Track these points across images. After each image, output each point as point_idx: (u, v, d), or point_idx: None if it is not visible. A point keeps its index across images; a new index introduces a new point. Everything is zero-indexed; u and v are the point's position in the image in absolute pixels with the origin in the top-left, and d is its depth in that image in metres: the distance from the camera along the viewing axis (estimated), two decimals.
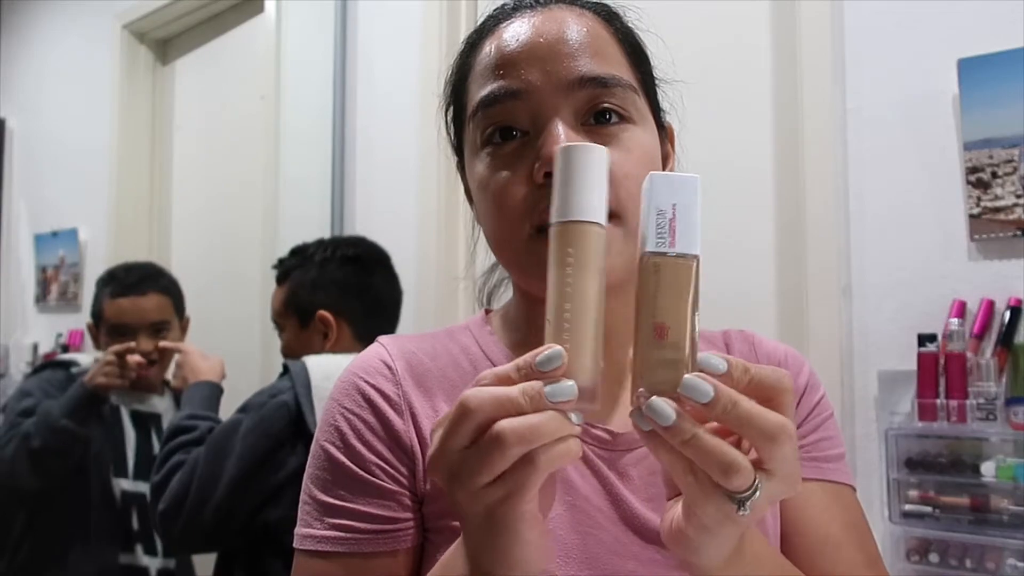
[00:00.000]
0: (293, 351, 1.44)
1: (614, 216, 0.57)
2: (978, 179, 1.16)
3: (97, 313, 1.76)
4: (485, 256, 0.70)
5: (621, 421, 0.61)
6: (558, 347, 0.42)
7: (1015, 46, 1.13)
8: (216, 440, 1.26)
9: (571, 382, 0.41)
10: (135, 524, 1.67)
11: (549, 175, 0.55)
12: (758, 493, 0.40)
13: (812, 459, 0.64)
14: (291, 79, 2.22)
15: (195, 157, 2.73)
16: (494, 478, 0.41)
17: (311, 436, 1.20)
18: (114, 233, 2.74)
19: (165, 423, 1.77)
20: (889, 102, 1.25)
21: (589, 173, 0.45)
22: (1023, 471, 1.06)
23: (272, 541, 1.26)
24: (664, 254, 0.43)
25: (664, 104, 0.67)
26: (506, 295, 0.73)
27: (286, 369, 1.31)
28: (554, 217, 0.45)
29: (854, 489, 0.65)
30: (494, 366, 0.62)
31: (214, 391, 1.50)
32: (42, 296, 3.07)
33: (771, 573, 0.51)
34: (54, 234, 3.01)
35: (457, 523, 0.56)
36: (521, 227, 0.58)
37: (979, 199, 1.15)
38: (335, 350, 1.40)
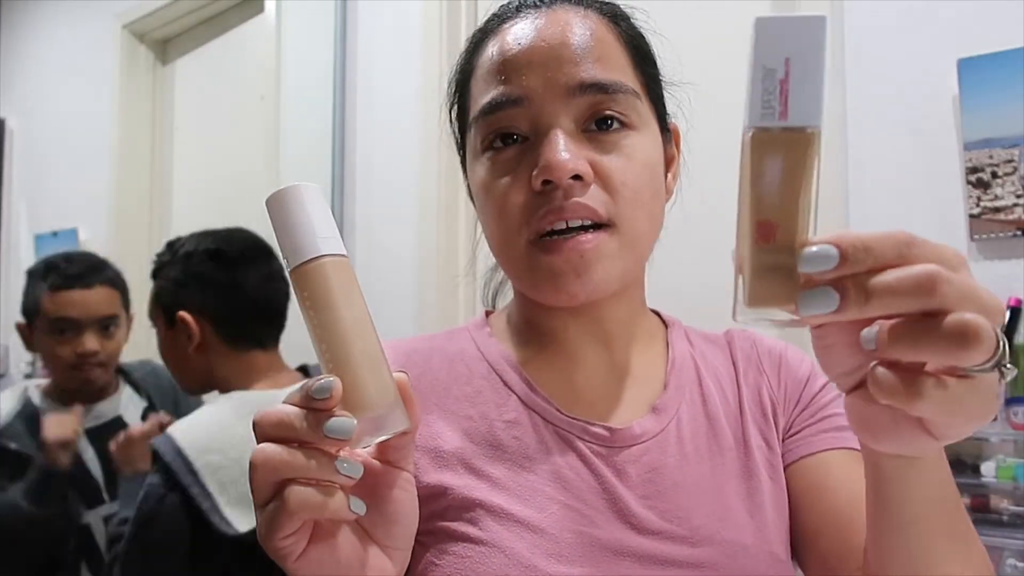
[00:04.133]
0: (164, 354, 1.34)
1: (610, 224, 0.57)
2: (978, 179, 1.16)
3: (32, 309, 1.54)
4: (488, 254, 0.71)
5: (619, 418, 0.62)
6: (331, 379, 0.41)
7: (1015, 46, 1.13)
8: (124, 568, 1.10)
9: (351, 420, 0.40)
10: None
11: (547, 183, 0.56)
12: (1007, 360, 0.34)
13: (829, 430, 0.64)
14: (291, 79, 2.22)
15: (195, 157, 2.72)
16: (263, 504, 0.42)
17: (215, 528, 1.03)
18: (114, 233, 2.73)
19: (128, 419, 1.60)
20: (889, 102, 1.25)
21: (299, 212, 0.44)
22: (1023, 471, 1.06)
23: None
24: (771, 128, 0.34)
25: (670, 105, 0.66)
26: (511, 293, 0.73)
27: (156, 455, 1.10)
28: (287, 268, 0.44)
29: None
30: (491, 367, 0.64)
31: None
32: None
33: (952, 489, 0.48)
34: (54, 234, 3.01)
35: (445, 524, 0.57)
36: (520, 235, 0.58)
37: (979, 199, 1.15)
38: (202, 355, 1.28)
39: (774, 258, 0.33)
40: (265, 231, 2.39)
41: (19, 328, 1.59)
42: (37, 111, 3.22)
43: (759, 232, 0.34)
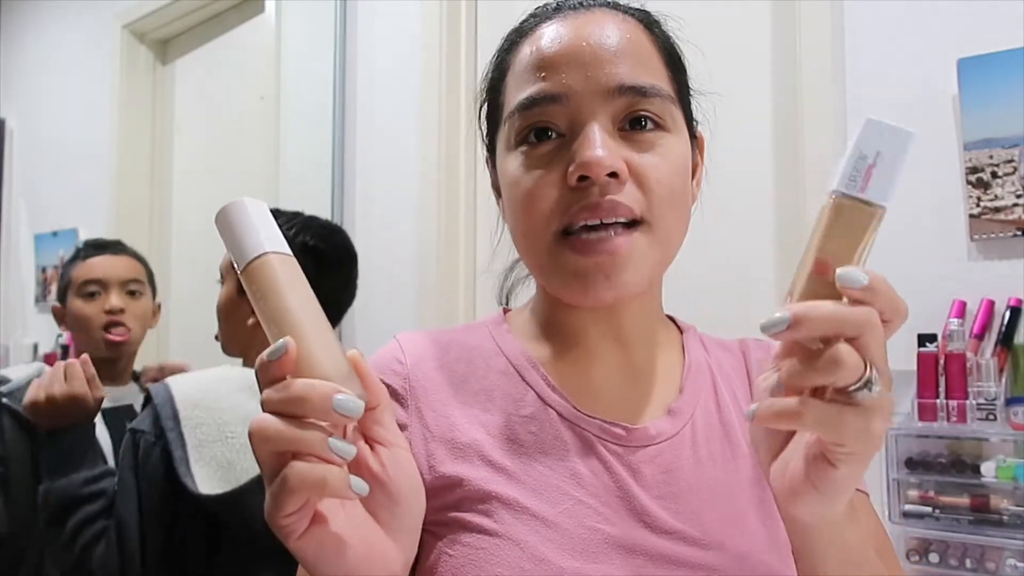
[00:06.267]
0: (224, 309, 1.35)
1: (642, 222, 0.58)
2: (978, 179, 1.15)
3: (66, 285, 1.68)
4: (508, 253, 0.71)
5: (635, 419, 0.62)
6: (285, 339, 0.43)
7: (1015, 46, 1.13)
8: (120, 509, 1.13)
9: (359, 402, 0.42)
10: None
11: (583, 178, 0.56)
12: (874, 383, 0.42)
13: None
14: (291, 79, 2.22)
15: (195, 157, 2.73)
16: (270, 481, 0.42)
17: (182, 481, 1.06)
18: (114, 233, 2.72)
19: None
20: (889, 102, 1.25)
21: (243, 220, 0.47)
22: (1023, 471, 1.06)
23: None
24: (850, 196, 0.43)
25: (696, 114, 0.67)
26: (524, 294, 0.74)
27: (149, 397, 1.17)
28: (239, 272, 0.47)
29: (868, 495, 0.65)
30: (510, 363, 0.64)
31: (87, 435, 1.28)
32: (42, 296, 3.07)
33: (868, 543, 0.53)
34: (54, 234, 3.01)
35: (459, 515, 0.57)
36: (548, 228, 0.59)
37: (979, 199, 1.15)
38: (255, 328, 1.27)
39: (821, 288, 0.43)
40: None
41: (54, 310, 1.72)
42: (37, 111, 3.22)
43: (817, 266, 0.44)
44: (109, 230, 2.75)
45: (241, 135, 2.43)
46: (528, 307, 0.70)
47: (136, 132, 2.78)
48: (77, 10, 3.02)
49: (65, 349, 2.84)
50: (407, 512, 0.48)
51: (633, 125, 0.59)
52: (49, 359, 2.87)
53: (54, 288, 3.00)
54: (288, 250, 0.47)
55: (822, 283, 0.43)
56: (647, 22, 0.63)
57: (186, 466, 1.07)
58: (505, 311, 0.72)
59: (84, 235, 2.89)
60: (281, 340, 0.42)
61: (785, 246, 1.37)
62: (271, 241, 0.46)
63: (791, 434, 0.46)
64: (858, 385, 0.41)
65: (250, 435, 0.42)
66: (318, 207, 2.04)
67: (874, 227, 0.44)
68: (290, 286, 0.45)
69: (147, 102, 2.81)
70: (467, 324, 0.71)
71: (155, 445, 1.11)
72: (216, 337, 1.39)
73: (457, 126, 1.80)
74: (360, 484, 0.43)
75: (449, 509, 0.57)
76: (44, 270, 3.06)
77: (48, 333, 2.99)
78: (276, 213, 1.37)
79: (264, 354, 0.43)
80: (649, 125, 0.59)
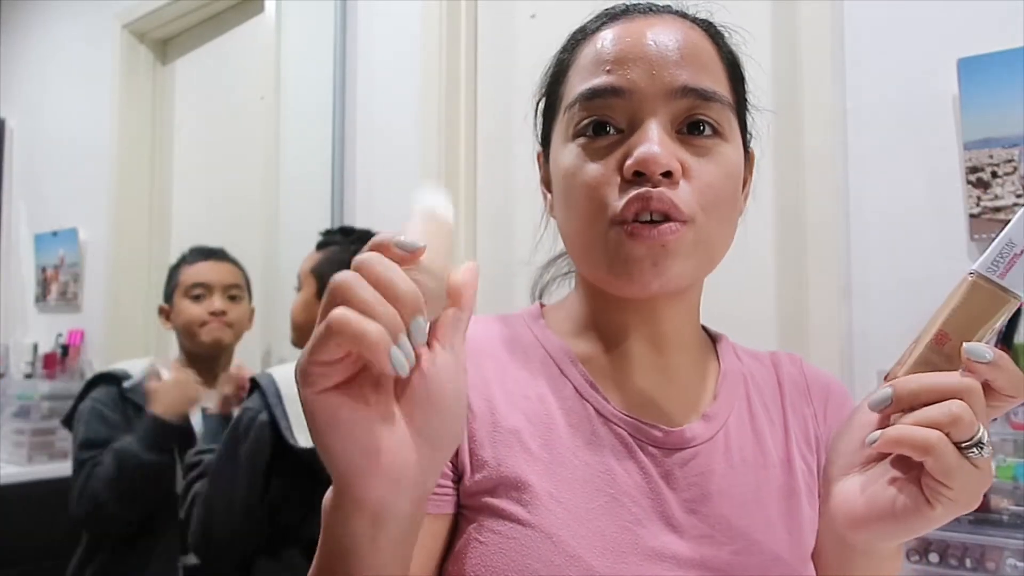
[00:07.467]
0: (299, 312, 1.56)
1: (687, 220, 0.57)
2: (978, 179, 1.16)
3: (172, 287, 1.86)
4: (553, 245, 0.71)
5: (671, 421, 0.62)
6: (421, 244, 0.42)
7: (1015, 46, 1.13)
8: (215, 471, 1.39)
9: (425, 329, 0.41)
10: None
11: (638, 174, 0.56)
12: (985, 445, 0.45)
13: None
14: (291, 79, 2.22)
15: (195, 157, 2.73)
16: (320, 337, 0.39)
17: (290, 447, 1.28)
18: (114, 233, 2.74)
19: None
20: (889, 102, 1.25)
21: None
22: (1023, 471, 1.06)
23: (288, 537, 1.38)
24: (988, 279, 0.47)
25: (751, 129, 0.68)
26: (559, 292, 0.74)
27: (255, 384, 1.39)
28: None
29: None
30: (549, 355, 0.64)
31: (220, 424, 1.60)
32: (42, 296, 3.08)
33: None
34: (54, 234, 3.01)
35: (493, 500, 0.57)
36: (601, 217, 0.58)
37: (979, 199, 1.15)
38: None
39: (936, 358, 0.46)
40: (260, 231, 2.39)
41: (161, 310, 1.90)
42: (37, 111, 3.22)
43: (937, 336, 0.46)
44: (109, 230, 2.75)
45: (241, 135, 2.43)
46: (566, 303, 0.70)
47: (136, 132, 2.78)
48: (77, 10, 3.02)
49: (65, 348, 2.85)
50: (442, 424, 0.43)
51: (691, 129, 0.59)
52: (48, 359, 2.88)
53: (54, 288, 3.00)
54: (446, 216, 0.47)
55: (938, 354, 0.46)
56: (712, 32, 0.64)
57: (290, 432, 1.30)
58: (541, 305, 0.72)
59: (84, 235, 2.90)
60: (417, 241, 0.42)
61: (785, 246, 1.37)
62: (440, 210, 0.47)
63: (877, 460, 0.49)
64: (971, 442, 0.44)
65: (329, 286, 0.40)
66: (318, 207, 2.05)
67: (1003, 314, 0.46)
68: (444, 227, 0.46)
69: (147, 102, 2.81)
70: (502, 315, 0.70)
71: (262, 415, 1.33)
72: (293, 343, 1.60)
73: (457, 126, 1.80)
74: (400, 359, 0.38)
75: (484, 494, 0.57)
76: (44, 270, 3.06)
77: (48, 333, 2.99)
78: (347, 231, 1.61)
79: (393, 238, 0.41)
80: (707, 131, 0.59)
